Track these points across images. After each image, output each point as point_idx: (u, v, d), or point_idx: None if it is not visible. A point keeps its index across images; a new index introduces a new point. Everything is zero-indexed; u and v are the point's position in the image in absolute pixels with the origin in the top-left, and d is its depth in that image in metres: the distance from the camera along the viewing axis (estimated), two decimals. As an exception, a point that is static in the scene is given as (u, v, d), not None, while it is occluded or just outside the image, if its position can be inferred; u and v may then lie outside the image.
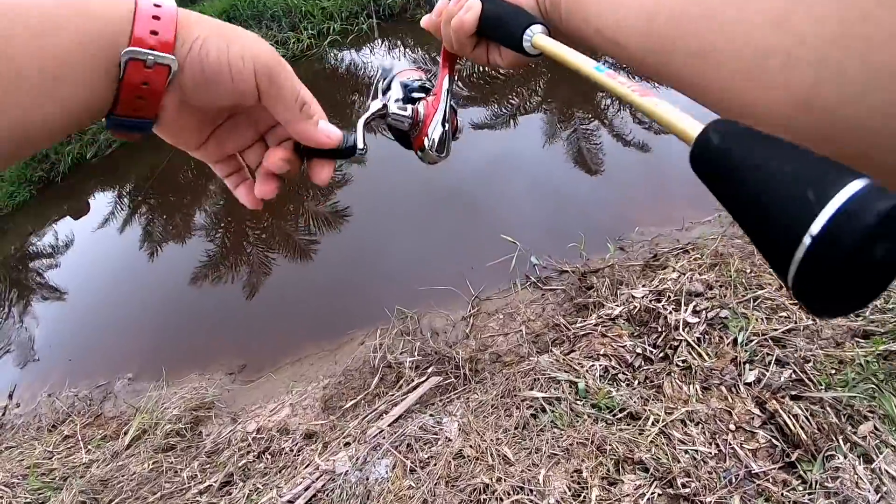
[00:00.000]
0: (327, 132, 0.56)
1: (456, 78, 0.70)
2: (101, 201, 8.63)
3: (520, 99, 5.93)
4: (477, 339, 3.07)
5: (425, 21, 0.72)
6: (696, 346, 2.33)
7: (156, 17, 0.45)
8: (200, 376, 4.07)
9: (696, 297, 2.59)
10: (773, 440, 1.93)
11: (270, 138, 0.59)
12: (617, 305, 2.74)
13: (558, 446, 2.08)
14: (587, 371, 2.41)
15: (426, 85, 0.71)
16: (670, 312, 2.53)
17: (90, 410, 4.20)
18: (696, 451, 1.96)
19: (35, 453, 3.78)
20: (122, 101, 0.45)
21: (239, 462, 2.93)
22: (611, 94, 0.41)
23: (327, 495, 2.42)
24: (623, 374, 2.40)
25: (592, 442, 2.05)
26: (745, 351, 2.25)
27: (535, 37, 0.53)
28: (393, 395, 2.91)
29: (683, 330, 2.42)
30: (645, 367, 2.38)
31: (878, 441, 1.82)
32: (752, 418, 2.01)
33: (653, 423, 2.07)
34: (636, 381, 2.33)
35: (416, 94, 0.70)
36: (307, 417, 3.14)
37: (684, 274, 2.75)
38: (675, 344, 2.38)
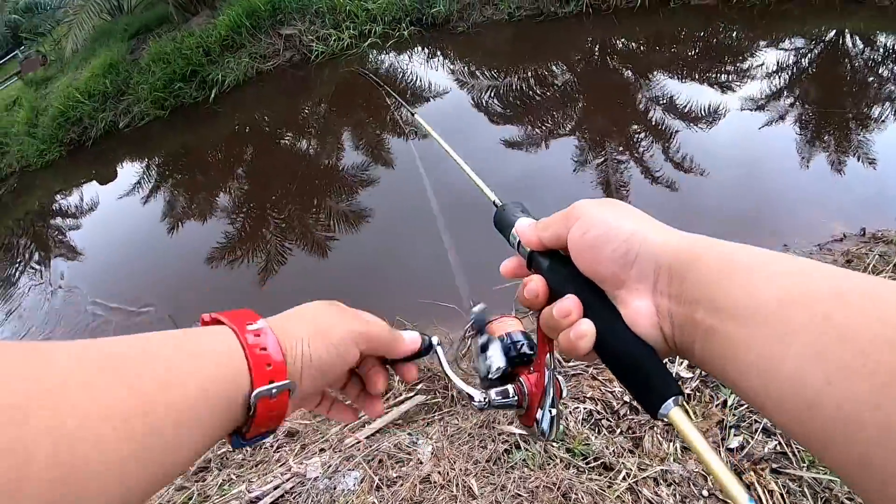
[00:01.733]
0: (414, 341, 0.65)
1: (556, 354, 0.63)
2: (129, 170, 8.82)
3: (554, 122, 5.89)
4: (470, 363, 3.04)
5: (506, 270, 0.63)
6: (685, 403, 2.27)
7: (262, 348, 0.49)
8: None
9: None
10: (745, 514, 1.86)
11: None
12: (613, 348, 2.68)
13: (524, 487, 2.04)
14: (571, 412, 2.36)
15: (524, 349, 0.67)
16: (666, 363, 2.47)
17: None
18: (664, 513, 1.90)
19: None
20: (253, 429, 0.49)
21: (219, 450, 2.93)
22: None
23: (294, 498, 2.41)
24: (607, 420, 2.34)
25: (559, 488, 2.00)
26: (734, 415, 2.18)
27: (672, 412, 0.46)
28: (378, 405, 2.89)
29: (675, 384, 2.35)
30: (629, 417, 2.32)
31: (851, 532, 1.75)
32: (728, 487, 1.95)
33: (624, 478, 2.02)
34: (618, 430, 2.28)
35: (516, 359, 0.67)
36: (293, 415, 3.14)
37: (686, 325, 2.68)
38: (664, 397, 2.32)
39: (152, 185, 8.01)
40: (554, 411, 0.60)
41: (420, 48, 8.23)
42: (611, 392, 2.44)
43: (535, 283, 0.56)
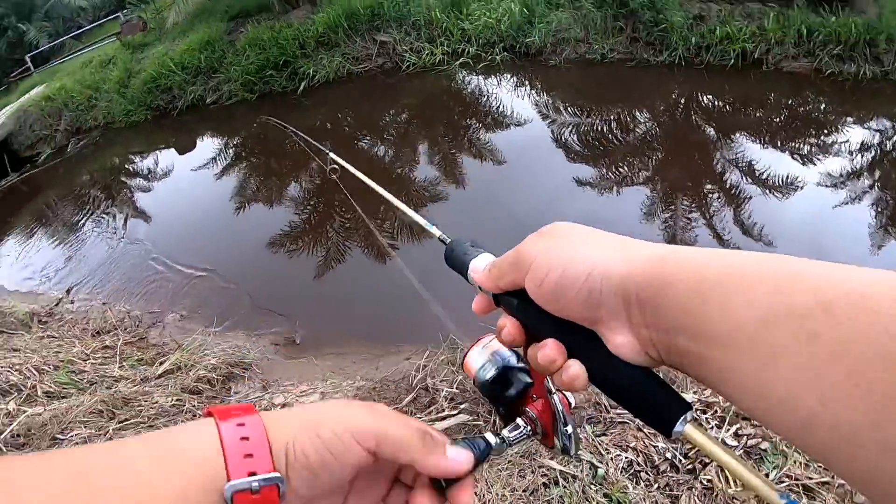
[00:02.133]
0: (457, 459, 0.51)
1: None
2: (208, 145, 9.13)
3: (629, 169, 5.90)
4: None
5: (478, 309, 0.60)
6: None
7: (244, 438, 0.44)
8: (247, 337, 4.21)
9: (743, 421, 2.53)
10: (774, 592, 1.87)
11: (404, 476, 0.55)
12: (661, 403, 2.70)
13: (559, 524, 2.09)
14: (612, 459, 2.39)
15: (512, 361, 0.66)
16: (711, 428, 2.49)
17: (136, 331, 4.42)
18: (693, 576, 1.92)
19: (73, 351, 3.97)
20: None
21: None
22: None
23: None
24: (646, 473, 2.37)
25: (593, 531, 2.04)
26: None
27: (686, 429, 0.45)
28: (420, 418, 2.96)
29: (719, 450, 2.37)
30: (669, 474, 2.34)
31: None
32: (760, 563, 1.96)
33: (658, 534, 2.05)
34: (656, 485, 2.30)
35: (512, 389, 0.65)
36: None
37: (738, 394, 2.68)
38: (706, 461, 2.34)
39: (227, 162, 8.29)
40: (569, 429, 0.60)
41: (509, 75, 8.35)
42: (654, 446, 2.47)
43: (511, 328, 0.53)
